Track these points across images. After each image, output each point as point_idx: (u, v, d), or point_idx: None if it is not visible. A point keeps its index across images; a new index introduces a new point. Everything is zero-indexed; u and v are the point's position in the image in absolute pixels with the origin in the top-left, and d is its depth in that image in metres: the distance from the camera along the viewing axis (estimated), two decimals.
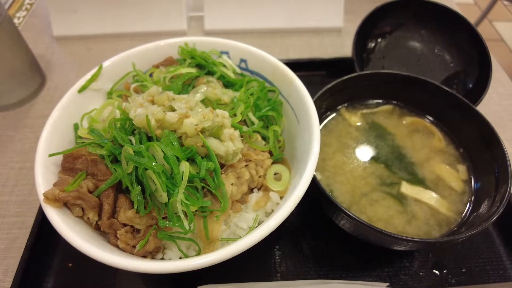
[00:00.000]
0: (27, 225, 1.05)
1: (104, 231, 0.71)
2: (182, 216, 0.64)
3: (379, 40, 1.37)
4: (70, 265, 0.94)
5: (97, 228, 0.73)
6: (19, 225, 1.05)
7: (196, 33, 1.62)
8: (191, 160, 0.71)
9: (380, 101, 1.12)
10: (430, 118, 1.09)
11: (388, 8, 1.30)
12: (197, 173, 0.69)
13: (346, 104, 1.11)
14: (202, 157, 0.71)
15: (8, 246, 1.01)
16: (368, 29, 1.31)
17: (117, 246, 0.69)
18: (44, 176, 0.73)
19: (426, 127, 1.08)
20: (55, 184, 0.71)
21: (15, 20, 1.71)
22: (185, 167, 0.65)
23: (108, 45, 1.60)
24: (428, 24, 1.34)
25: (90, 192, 0.71)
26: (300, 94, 0.84)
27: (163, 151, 0.66)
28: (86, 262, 0.87)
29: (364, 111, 1.11)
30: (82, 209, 0.71)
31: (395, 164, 1.00)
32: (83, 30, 1.59)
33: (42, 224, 0.95)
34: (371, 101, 1.12)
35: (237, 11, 1.59)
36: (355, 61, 1.21)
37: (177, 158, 0.68)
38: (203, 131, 0.71)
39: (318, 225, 1.01)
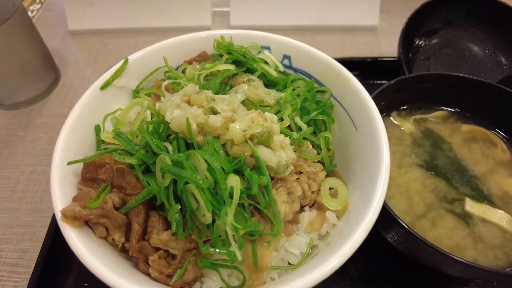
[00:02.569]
0: (38, 237, 0.95)
1: (133, 255, 0.60)
2: (232, 242, 0.52)
3: (425, 39, 1.24)
4: (86, 284, 0.84)
5: (123, 250, 0.62)
6: (29, 236, 0.96)
7: (221, 29, 1.51)
8: (235, 172, 0.60)
9: (434, 106, 1.00)
10: (490, 126, 0.96)
11: (436, 3, 1.18)
12: (245, 188, 0.57)
13: (399, 108, 0.99)
14: (250, 169, 0.60)
15: (16, 260, 0.91)
16: (413, 27, 1.19)
17: (148, 274, 0.58)
18: (61, 188, 0.62)
19: (487, 135, 0.95)
20: (74, 199, 0.60)
21: (28, 14, 1.61)
22: (235, 182, 0.53)
23: (125, 40, 1.51)
24: (480, 21, 1.21)
25: (116, 209, 0.60)
26: (359, 96, 0.72)
27: (206, 162, 0.55)
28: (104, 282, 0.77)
29: (417, 116, 0.98)
30: (106, 228, 0.60)
31: (456, 177, 0.88)
32: (99, 24, 1.50)
33: (55, 237, 0.85)
34: (423, 106, 1.00)
35: (265, 6, 1.48)
36: (402, 61, 1.08)
37: (223, 169, 0.56)
38: (251, 138, 0.60)
39: (365, 245, 0.89)
